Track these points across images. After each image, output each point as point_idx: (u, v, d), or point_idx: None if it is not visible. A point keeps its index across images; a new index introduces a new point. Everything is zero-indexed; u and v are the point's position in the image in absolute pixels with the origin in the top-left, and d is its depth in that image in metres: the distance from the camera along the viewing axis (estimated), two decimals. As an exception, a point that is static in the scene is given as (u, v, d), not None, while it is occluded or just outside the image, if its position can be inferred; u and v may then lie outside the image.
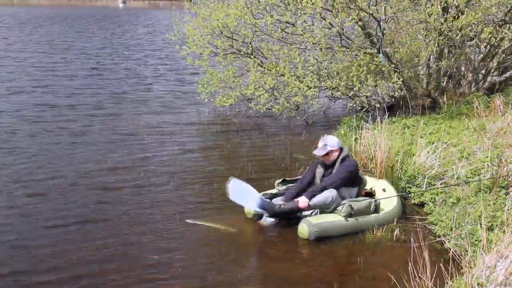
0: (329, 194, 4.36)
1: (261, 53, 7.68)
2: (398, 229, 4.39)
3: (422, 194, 4.96)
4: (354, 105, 8.13)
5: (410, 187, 5.16)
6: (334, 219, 4.32)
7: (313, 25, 7.35)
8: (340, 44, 7.18)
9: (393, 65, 7.28)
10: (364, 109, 7.86)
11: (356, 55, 7.36)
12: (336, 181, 4.44)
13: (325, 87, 7.53)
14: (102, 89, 10.31)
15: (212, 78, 8.23)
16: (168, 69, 13.16)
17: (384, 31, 7.31)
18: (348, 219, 4.30)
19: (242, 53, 7.73)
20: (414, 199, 5.01)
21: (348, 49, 7.23)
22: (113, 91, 10.20)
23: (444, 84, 8.30)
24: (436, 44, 7.13)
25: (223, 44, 7.55)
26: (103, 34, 20.89)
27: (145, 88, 10.62)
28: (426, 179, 5.09)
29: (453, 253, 3.87)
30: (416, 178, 5.20)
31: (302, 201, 4.37)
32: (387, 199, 4.66)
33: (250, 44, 7.51)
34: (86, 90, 10.17)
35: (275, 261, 3.97)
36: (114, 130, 7.45)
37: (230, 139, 7.25)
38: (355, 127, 6.64)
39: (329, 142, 4.55)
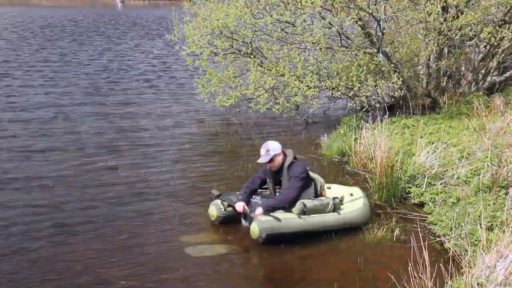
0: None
1: (261, 53, 7.67)
2: (398, 229, 4.39)
3: (422, 194, 4.96)
4: (354, 105, 8.13)
5: (410, 187, 5.16)
6: (286, 217, 4.21)
7: (312, 24, 7.35)
8: (340, 44, 7.18)
9: (393, 65, 7.28)
10: (364, 109, 7.86)
11: (356, 55, 7.36)
12: (292, 195, 4.28)
13: (325, 87, 7.53)
14: (101, 89, 10.31)
15: (212, 78, 8.23)
16: (168, 69, 13.15)
17: (384, 31, 7.31)
18: (302, 216, 4.20)
19: (242, 53, 7.73)
20: (414, 199, 5.01)
21: (348, 49, 7.23)
22: (113, 91, 10.19)
23: (444, 84, 8.30)
24: (436, 43, 7.12)
25: (223, 44, 7.55)
26: (102, 34, 20.88)
27: (145, 89, 10.61)
28: (426, 179, 5.09)
29: (453, 253, 3.88)
30: (416, 178, 5.21)
31: (258, 212, 4.22)
32: (353, 201, 4.60)
33: (250, 44, 7.50)
34: (84, 89, 10.17)
35: (275, 262, 3.97)
36: (113, 130, 7.44)
37: (230, 139, 7.24)
38: (355, 127, 6.64)
39: (271, 147, 4.38)
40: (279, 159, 4.40)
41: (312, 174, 4.62)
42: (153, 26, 25.82)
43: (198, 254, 4.02)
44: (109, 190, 5.23)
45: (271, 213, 4.18)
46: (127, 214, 4.70)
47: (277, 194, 4.45)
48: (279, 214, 4.21)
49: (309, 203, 4.29)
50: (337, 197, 4.54)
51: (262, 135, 7.42)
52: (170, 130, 7.60)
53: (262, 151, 4.40)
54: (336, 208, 4.42)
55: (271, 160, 4.37)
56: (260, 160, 4.40)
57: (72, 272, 3.70)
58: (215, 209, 4.43)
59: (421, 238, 3.62)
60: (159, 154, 6.47)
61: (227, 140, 7.18)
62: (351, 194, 4.69)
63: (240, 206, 4.27)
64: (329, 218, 4.33)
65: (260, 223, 4.07)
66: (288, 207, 4.29)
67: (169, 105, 9.20)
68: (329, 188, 4.81)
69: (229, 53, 7.83)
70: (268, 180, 4.53)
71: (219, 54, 7.71)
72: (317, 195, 4.53)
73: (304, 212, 4.23)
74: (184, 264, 3.86)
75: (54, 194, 5.10)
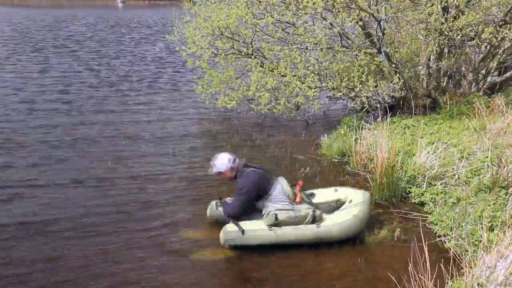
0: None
1: (262, 53, 7.68)
2: (399, 229, 4.40)
3: (422, 194, 4.96)
4: (355, 105, 8.12)
5: (410, 187, 5.17)
6: (255, 228, 4.08)
7: (313, 25, 7.35)
8: (340, 44, 7.18)
9: (393, 65, 7.28)
10: (364, 109, 7.85)
11: (357, 55, 7.35)
12: (234, 211, 4.20)
13: (326, 87, 7.53)
14: (100, 89, 10.31)
15: (213, 79, 8.23)
16: (168, 69, 13.15)
17: (385, 31, 7.31)
18: (272, 228, 4.06)
19: (242, 53, 7.73)
20: (414, 199, 5.01)
21: (349, 49, 7.23)
22: (112, 91, 10.20)
23: (444, 84, 8.29)
24: (436, 44, 7.12)
25: (224, 45, 7.55)
26: (101, 34, 20.89)
27: (144, 89, 10.61)
28: (426, 179, 5.09)
29: (453, 253, 3.88)
30: (416, 178, 5.21)
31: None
32: (344, 210, 4.28)
33: (251, 44, 7.51)
34: (83, 89, 10.18)
35: (274, 262, 3.98)
36: (113, 131, 7.45)
37: (230, 139, 7.25)
38: (355, 127, 6.65)
39: (216, 167, 4.37)
40: (228, 174, 4.37)
41: (280, 179, 4.38)
42: (153, 26, 25.83)
43: (196, 255, 4.02)
44: (109, 190, 5.24)
45: (238, 222, 4.10)
46: (127, 214, 4.71)
47: None
48: (250, 224, 4.12)
49: (282, 214, 4.10)
50: (315, 210, 4.18)
51: (262, 135, 7.42)
52: (170, 130, 7.60)
53: (210, 166, 4.43)
54: (316, 220, 4.14)
55: (219, 173, 4.39)
56: (209, 172, 4.46)
57: (71, 272, 3.71)
58: (209, 209, 4.55)
59: (421, 238, 3.61)
60: (159, 154, 6.47)
61: (227, 141, 7.18)
62: (350, 201, 4.39)
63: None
64: (304, 232, 4.09)
65: (225, 233, 4.06)
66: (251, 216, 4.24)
67: (169, 105, 9.19)
68: (336, 190, 4.62)
69: (230, 54, 7.83)
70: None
71: (220, 54, 7.71)
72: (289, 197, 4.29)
73: (276, 224, 4.07)
74: (183, 266, 3.87)
75: (54, 194, 5.11)
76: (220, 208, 4.43)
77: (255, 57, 7.62)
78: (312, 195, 4.60)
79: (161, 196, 5.13)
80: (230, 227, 4.08)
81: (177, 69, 13.27)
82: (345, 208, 4.33)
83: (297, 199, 4.30)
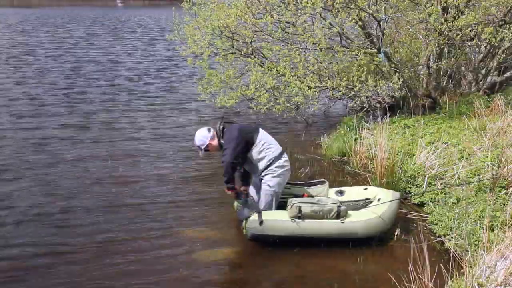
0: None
1: (262, 53, 7.67)
2: (399, 229, 4.39)
3: (422, 194, 4.96)
4: (354, 105, 8.12)
5: (410, 187, 5.17)
6: (278, 218, 4.07)
7: (313, 25, 7.34)
8: (340, 44, 7.17)
9: (393, 65, 7.27)
10: (364, 109, 7.85)
11: (356, 55, 7.35)
12: (225, 155, 4.15)
13: (326, 87, 7.53)
14: (100, 89, 10.31)
15: (212, 78, 8.23)
16: (168, 69, 13.15)
17: (384, 31, 7.30)
18: (295, 220, 4.03)
19: (242, 53, 7.73)
20: (414, 199, 5.01)
21: (348, 49, 7.23)
22: (112, 91, 10.20)
23: (444, 84, 8.29)
24: (436, 44, 7.12)
25: (224, 44, 7.55)
26: (101, 34, 20.89)
27: (144, 89, 10.61)
28: (426, 179, 5.09)
29: (453, 253, 3.88)
30: (416, 178, 5.20)
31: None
32: (368, 209, 4.23)
33: (251, 44, 7.50)
34: (83, 89, 10.17)
35: (274, 261, 3.97)
36: (113, 131, 7.45)
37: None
38: (355, 127, 6.64)
39: (198, 143, 4.37)
40: (213, 143, 4.34)
41: (260, 128, 4.44)
42: (152, 25, 25.82)
43: (197, 255, 4.02)
44: (109, 190, 5.24)
45: (266, 212, 4.11)
46: (127, 214, 4.70)
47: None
48: (274, 214, 4.12)
49: (306, 207, 4.06)
50: (340, 205, 4.13)
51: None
52: (170, 130, 7.60)
53: (196, 148, 4.41)
54: (340, 216, 4.08)
55: (207, 150, 4.37)
56: (199, 155, 4.48)
57: (70, 272, 3.71)
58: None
59: (421, 238, 3.61)
60: (159, 154, 6.47)
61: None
62: (378, 200, 4.32)
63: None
64: (328, 226, 4.05)
65: (249, 223, 4.05)
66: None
67: (169, 105, 9.19)
68: (365, 189, 4.59)
69: (229, 53, 7.83)
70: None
71: (220, 54, 7.70)
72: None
73: (299, 217, 4.04)
74: (184, 266, 3.86)
75: (53, 194, 5.11)
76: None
77: (255, 57, 7.62)
78: (342, 192, 4.58)
79: (161, 196, 5.13)
80: (253, 217, 4.06)
81: (177, 69, 13.26)
82: (372, 206, 4.28)
83: None
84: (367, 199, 4.47)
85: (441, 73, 8.04)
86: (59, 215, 4.62)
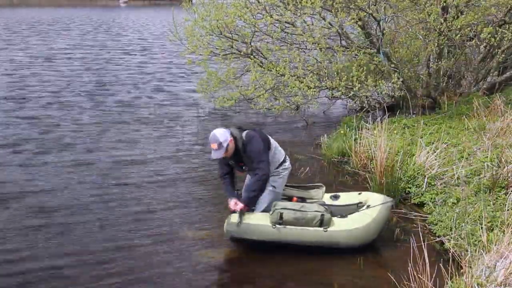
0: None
1: (261, 53, 7.67)
2: (398, 229, 4.39)
3: (422, 194, 4.96)
4: (354, 105, 8.12)
5: (410, 187, 5.16)
6: (258, 222, 4.00)
7: (312, 25, 7.35)
8: (339, 44, 7.18)
9: (392, 65, 7.28)
10: (364, 109, 7.85)
11: (356, 55, 7.35)
12: (264, 168, 4.05)
13: (325, 87, 7.53)
14: (100, 89, 10.31)
15: (212, 78, 8.23)
16: (167, 69, 13.14)
17: (384, 31, 7.30)
18: (276, 226, 3.96)
19: (241, 53, 7.73)
20: (414, 199, 5.01)
21: (348, 49, 7.23)
22: (112, 91, 10.19)
23: (444, 84, 8.29)
24: (436, 44, 7.12)
25: (223, 44, 7.55)
26: (101, 35, 20.90)
27: (145, 89, 10.60)
28: (426, 179, 5.09)
29: (453, 253, 3.88)
30: (416, 178, 5.20)
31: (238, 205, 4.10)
32: (354, 215, 4.11)
33: (250, 44, 7.50)
34: (82, 88, 10.17)
35: (274, 261, 3.97)
36: (113, 131, 7.44)
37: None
38: (355, 127, 6.64)
39: (222, 139, 3.98)
40: (231, 146, 4.06)
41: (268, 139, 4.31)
42: (152, 25, 25.83)
43: (197, 255, 4.02)
44: (108, 191, 5.24)
45: (248, 214, 4.05)
46: (127, 214, 4.71)
47: (243, 168, 4.29)
48: (254, 217, 4.06)
49: (288, 214, 3.97)
50: (324, 213, 3.98)
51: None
52: (170, 130, 7.60)
53: (214, 145, 3.99)
54: (323, 224, 3.96)
55: (226, 149, 4.03)
56: (215, 156, 4.05)
57: (70, 272, 3.71)
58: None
59: (421, 238, 3.61)
60: (158, 154, 6.47)
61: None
62: (368, 206, 4.20)
63: (232, 203, 4.13)
64: (309, 234, 3.96)
65: (227, 223, 4.02)
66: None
67: (169, 105, 9.19)
68: (359, 194, 4.52)
69: (228, 54, 7.83)
70: (230, 162, 4.28)
71: (219, 54, 7.71)
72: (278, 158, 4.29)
73: (280, 223, 3.96)
74: (184, 266, 3.87)
75: (53, 195, 5.11)
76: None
77: (254, 57, 7.62)
78: (337, 196, 4.55)
79: (161, 197, 5.13)
80: (233, 217, 4.01)
81: (176, 69, 13.26)
82: (359, 212, 4.17)
83: None
84: (360, 203, 4.40)
85: (441, 73, 8.04)
86: (58, 217, 4.61)
